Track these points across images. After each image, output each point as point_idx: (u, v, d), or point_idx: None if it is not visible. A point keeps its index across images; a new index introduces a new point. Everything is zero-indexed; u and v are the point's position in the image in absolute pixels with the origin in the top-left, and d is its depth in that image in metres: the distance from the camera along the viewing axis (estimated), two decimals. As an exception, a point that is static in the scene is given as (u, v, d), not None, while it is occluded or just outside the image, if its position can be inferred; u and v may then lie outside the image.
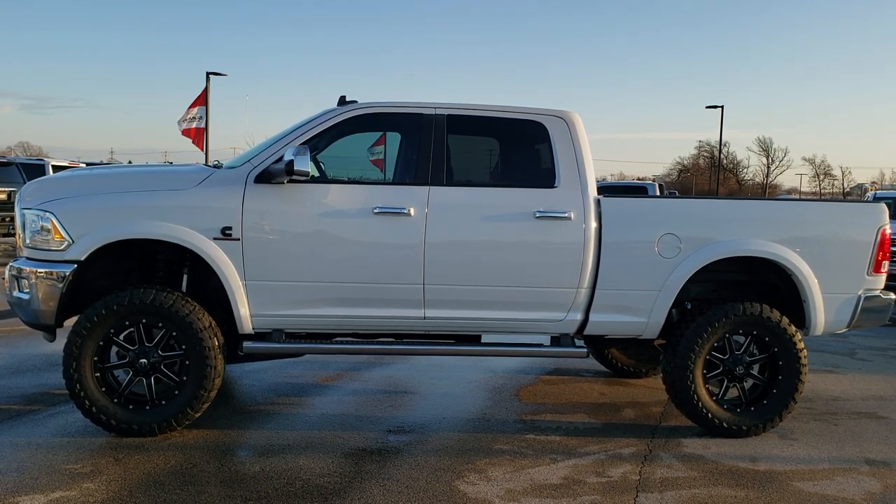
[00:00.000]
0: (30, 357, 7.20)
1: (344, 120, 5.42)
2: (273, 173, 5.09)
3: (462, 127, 5.57)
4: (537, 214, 5.29)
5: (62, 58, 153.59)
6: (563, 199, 5.37)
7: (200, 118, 31.55)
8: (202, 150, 27.60)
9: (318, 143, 5.50)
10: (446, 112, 5.48)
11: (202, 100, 30.39)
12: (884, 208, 5.65)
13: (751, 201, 6.09)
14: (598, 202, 5.42)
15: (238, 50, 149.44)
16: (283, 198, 5.15)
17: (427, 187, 5.29)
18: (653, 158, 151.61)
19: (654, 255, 5.40)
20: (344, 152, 6.23)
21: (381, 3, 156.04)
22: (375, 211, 5.19)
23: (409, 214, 5.21)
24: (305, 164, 4.91)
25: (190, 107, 28.90)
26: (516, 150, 5.73)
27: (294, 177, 4.97)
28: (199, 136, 30.34)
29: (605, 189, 24.50)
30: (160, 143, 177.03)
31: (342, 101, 5.60)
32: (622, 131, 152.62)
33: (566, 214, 5.32)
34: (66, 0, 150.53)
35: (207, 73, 32.89)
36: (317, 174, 5.57)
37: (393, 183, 5.63)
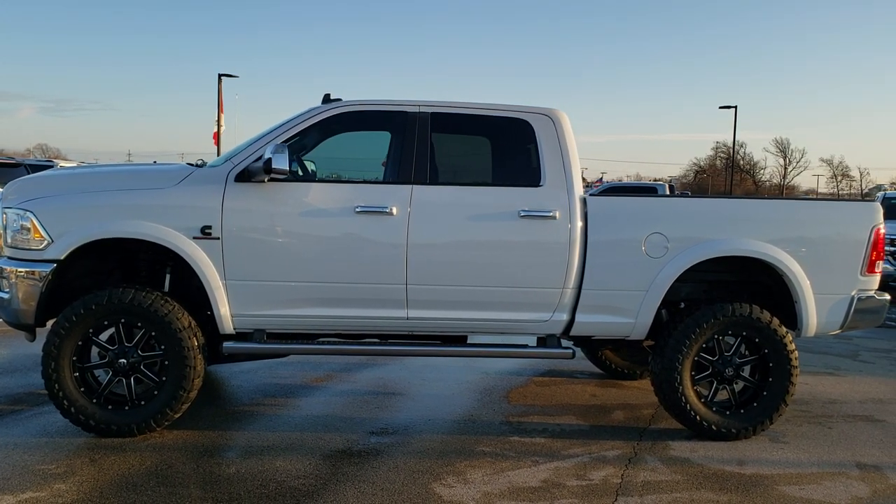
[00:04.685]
0: (19, 357, 7.21)
1: (327, 118, 5.36)
2: (253, 172, 5.05)
3: (446, 125, 5.50)
4: (522, 213, 5.22)
5: (80, 61, 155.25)
6: (548, 198, 5.29)
7: (215, 121, 32.10)
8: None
9: (304, 143, 5.46)
10: (430, 110, 5.41)
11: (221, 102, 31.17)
12: (878, 207, 5.54)
13: (741, 200, 5.97)
14: (584, 201, 5.34)
15: (253, 52, 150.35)
16: (263, 197, 5.10)
17: (410, 186, 5.23)
18: (670, 159, 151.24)
19: (641, 255, 5.30)
20: (341, 153, 6.19)
21: (395, 6, 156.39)
22: (357, 210, 5.14)
23: (391, 213, 5.14)
24: (283, 163, 4.85)
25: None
26: (501, 149, 5.65)
27: (273, 175, 4.92)
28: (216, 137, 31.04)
29: (614, 190, 24.42)
30: (176, 144, 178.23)
31: (326, 99, 5.54)
32: (640, 132, 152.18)
33: (551, 213, 5.23)
34: (83, 5, 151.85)
35: (219, 75, 33.17)
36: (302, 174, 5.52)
37: (375, 182, 5.57)
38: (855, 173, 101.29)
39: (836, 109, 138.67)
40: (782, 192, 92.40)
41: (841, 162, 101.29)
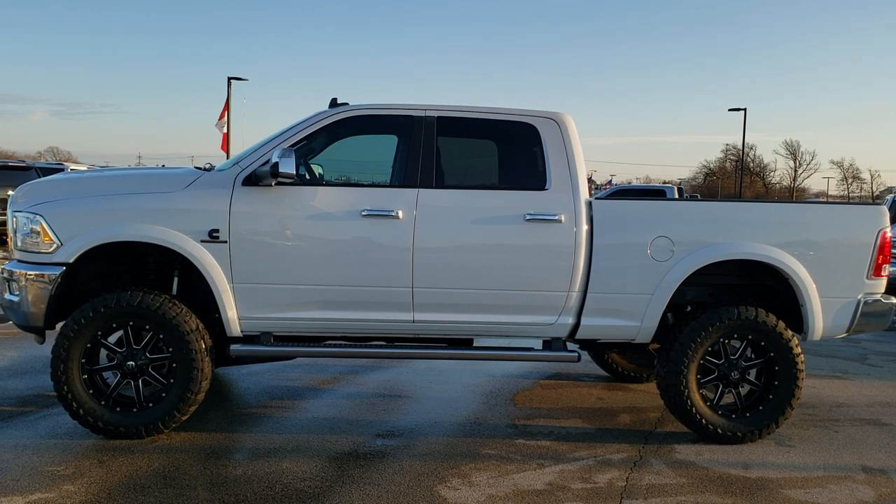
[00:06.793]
0: (30, 359, 7.26)
1: (334, 122, 5.40)
2: (260, 176, 5.08)
3: (452, 129, 5.52)
4: (527, 217, 5.23)
5: (93, 65, 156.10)
6: (553, 201, 5.30)
7: (224, 124, 32.19)
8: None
9: (312, 146, 5.49)
10: (436, 114, 5.44)
11: (228, 105, 31.32)
12: (884, 211, 5.53)
13: (746, 203, 5.96)
14: (589, 205, 5.35)
15: (262, 55, 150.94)
16: (270, 200, 5.13)
17: (416, 190, 5.25)
18: (680, 162, 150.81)
19: (646, 258, 5.31)
20: (348, 157, 6.21)
21: (402, 9, 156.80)
22: (363, 213, 5.16)
23: (397, 217, 5.17)
24: (290, 167, 4.89)
25: (223, 113, 30.23)
26: (507, 153, 5.67)
27: (280, 179, 4.95)
28: (225, 140, 31.15)
29: (623, 192, 24.43)
30: (187, 147, 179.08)
31: (333, 103, 5.58)
32: (649, 134, 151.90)
33: (557, 217, 5.25)
34: (95, 8, 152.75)
35: (229, 79, 33.29)
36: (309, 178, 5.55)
37: (381, 185, 5.60)
38: (865, 175, 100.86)
39: (847, 111, 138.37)
40: (792, 194, 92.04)
41: (851, 164, 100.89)
